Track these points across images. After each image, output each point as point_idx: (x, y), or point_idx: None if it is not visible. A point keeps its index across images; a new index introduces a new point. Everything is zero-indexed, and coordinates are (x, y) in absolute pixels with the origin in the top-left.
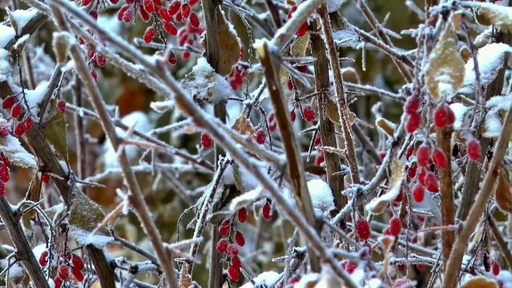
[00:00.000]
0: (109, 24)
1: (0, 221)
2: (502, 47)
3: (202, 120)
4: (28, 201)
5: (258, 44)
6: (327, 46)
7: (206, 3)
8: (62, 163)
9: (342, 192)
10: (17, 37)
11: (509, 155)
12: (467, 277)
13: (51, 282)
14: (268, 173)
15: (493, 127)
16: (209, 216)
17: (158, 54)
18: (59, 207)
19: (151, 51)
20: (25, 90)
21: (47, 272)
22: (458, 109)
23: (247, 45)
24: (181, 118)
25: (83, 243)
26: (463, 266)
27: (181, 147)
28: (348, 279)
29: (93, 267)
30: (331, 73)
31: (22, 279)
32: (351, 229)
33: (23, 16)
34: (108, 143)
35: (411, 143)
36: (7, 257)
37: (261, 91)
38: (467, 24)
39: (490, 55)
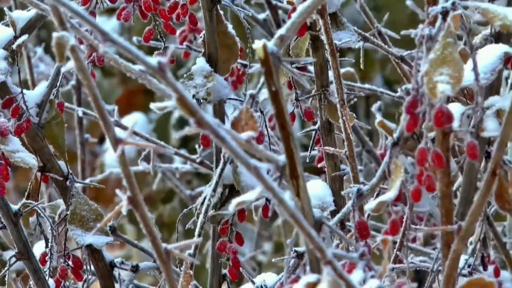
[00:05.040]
0: (109, 24)
1: (0, 221)
2: (502, 48)
3: (203, 121)
4: (29, 201)
5: (257, 45)
6: (326, 46)
7: (205, 3)
8: (62, 163)
9: (342, 193)
10: (16, 37)
11: (508, 155)
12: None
13: (51, 282)
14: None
15: (492, 127)
16: (208, 215)
17: (158, 54)
18: (61, 202)
19: (150, 50)
20: (24, 90)
21: (47, 272)
22: (456, 109)
23: (247, 45)
24: (180, 118)
25: (82, 243)
26: (462, 266)
27: (180, 147)
28: (349, 281)
29: (92, 267)
30: (330, 73)
31: (23, 273)
32: (351, 229)
33: (22, 16)
34: (108, 143)
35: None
36: (7, 257)
37: (260, 88)
38: (467, 24)
39: (489, 55)
